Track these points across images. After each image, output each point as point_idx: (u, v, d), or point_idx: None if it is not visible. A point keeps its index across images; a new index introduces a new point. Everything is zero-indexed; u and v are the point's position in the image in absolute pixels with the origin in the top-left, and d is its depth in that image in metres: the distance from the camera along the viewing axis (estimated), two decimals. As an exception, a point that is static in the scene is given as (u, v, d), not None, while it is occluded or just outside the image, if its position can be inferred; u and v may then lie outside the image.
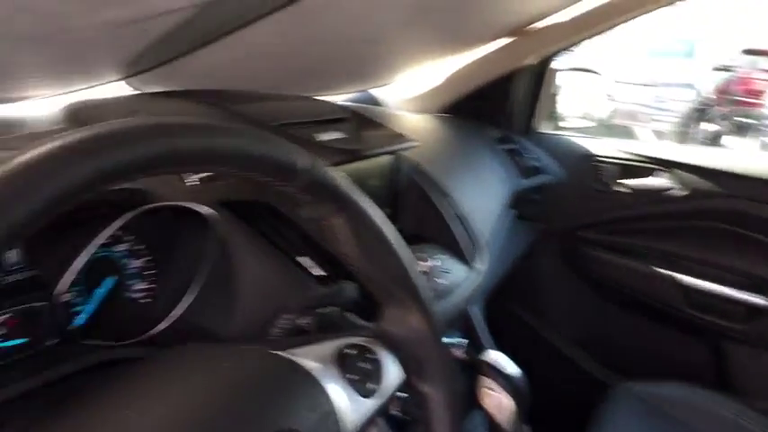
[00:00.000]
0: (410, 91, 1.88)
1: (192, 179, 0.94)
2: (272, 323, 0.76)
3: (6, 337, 0.75)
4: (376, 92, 1.91)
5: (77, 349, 0.78)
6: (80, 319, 0.84)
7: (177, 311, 0.90)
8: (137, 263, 0.92)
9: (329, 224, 0.57)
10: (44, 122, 0.99)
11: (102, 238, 0.76)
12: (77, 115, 1.00)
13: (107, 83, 1.14)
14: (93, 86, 1.14)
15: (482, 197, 1.31)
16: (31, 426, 0.49)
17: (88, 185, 0.38)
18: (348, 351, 0.61)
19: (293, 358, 0.56)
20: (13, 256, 0.76)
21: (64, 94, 1.11)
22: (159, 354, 0.57)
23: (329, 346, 0.61)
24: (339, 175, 0.55)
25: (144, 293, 0.93)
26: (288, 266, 0.88)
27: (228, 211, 0.92)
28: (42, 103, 1.07)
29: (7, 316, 0.75)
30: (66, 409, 0.49)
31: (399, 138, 1.08)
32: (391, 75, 1.79)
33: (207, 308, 0.90)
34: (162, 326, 0.89)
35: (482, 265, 1.14)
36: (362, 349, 0.62)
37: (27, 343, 0.77)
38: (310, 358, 0.57)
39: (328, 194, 0.54)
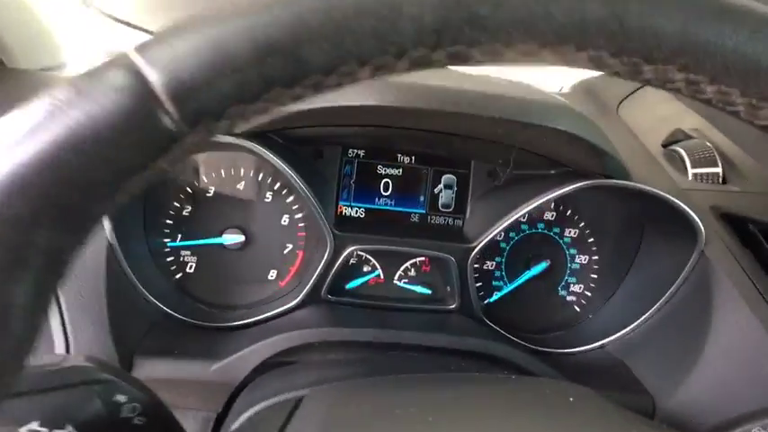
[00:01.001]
0: None
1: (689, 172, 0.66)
2: (738, 426, 0.44)
3: (413, 281, 0.68)
4: None
5: (472, 326, 0.64)
6: (495, 296, 0.71)
7: (610, 339, 0.66)
8: (582, 258, 0.71)
9: None
10: None
11: (534, 204, 0.59)
12: None
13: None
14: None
15: None
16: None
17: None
18: None
19: None
20: (447, 197, 0.67)
21: None
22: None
23: None
24: None
25: (576, 297, 0.72)
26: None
27: (727, 227, 0.61)
28: None
29: (421, 259, 0.67)
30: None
31: None
32: None
33: (648, 350, 0.62)
34: (586, 347, 0.67)
35: None
36: None
37: (429, 296, 0.68)
38: None
39: None
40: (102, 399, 0.31)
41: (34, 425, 0.29)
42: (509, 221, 0.60)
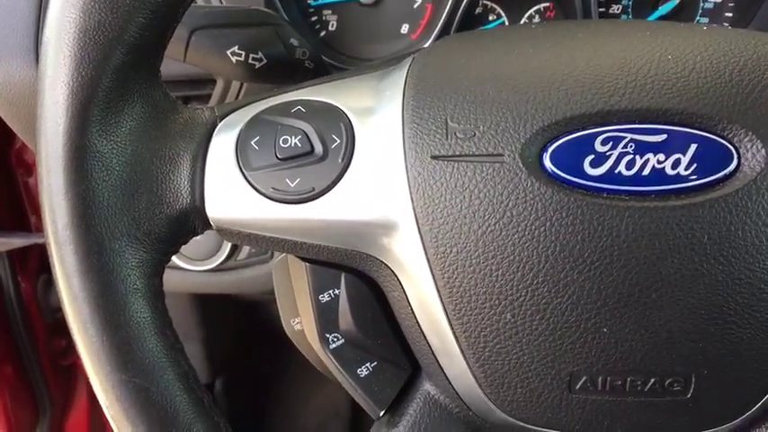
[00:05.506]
0: None
1: None
2: None
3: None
4: None
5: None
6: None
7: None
8: None
9: None
10: None
11: None
12: None
13: None
14: None
15: None
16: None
17: None
18: None
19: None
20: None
21: None
22: None
23: None
24: None
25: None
26: None
27: None
28: None
29: (546, 5, 0.69)
30: None
31: None
32: None
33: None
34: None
35: None
36: None
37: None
38: None
39: None
40: (281, 40, 0.40)
41: (234, 48, 0.38)
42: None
